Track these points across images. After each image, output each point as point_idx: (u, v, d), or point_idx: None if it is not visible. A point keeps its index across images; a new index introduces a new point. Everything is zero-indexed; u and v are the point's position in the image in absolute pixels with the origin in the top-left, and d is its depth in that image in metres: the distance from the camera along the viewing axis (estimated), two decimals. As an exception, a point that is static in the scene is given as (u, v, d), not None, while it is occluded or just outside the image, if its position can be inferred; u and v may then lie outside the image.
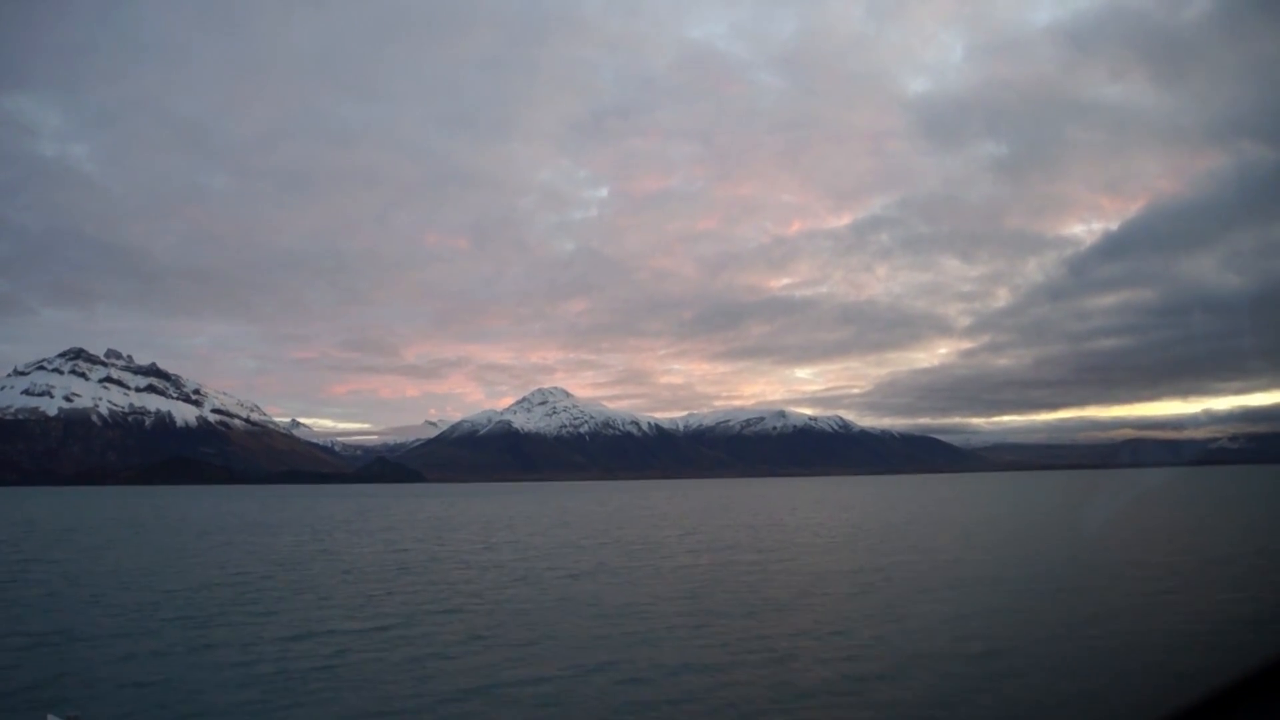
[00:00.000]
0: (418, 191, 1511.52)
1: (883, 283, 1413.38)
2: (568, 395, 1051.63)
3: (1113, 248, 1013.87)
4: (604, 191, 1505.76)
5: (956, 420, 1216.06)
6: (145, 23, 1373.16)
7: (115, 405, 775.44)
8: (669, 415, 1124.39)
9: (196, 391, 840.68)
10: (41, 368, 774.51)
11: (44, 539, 51.47)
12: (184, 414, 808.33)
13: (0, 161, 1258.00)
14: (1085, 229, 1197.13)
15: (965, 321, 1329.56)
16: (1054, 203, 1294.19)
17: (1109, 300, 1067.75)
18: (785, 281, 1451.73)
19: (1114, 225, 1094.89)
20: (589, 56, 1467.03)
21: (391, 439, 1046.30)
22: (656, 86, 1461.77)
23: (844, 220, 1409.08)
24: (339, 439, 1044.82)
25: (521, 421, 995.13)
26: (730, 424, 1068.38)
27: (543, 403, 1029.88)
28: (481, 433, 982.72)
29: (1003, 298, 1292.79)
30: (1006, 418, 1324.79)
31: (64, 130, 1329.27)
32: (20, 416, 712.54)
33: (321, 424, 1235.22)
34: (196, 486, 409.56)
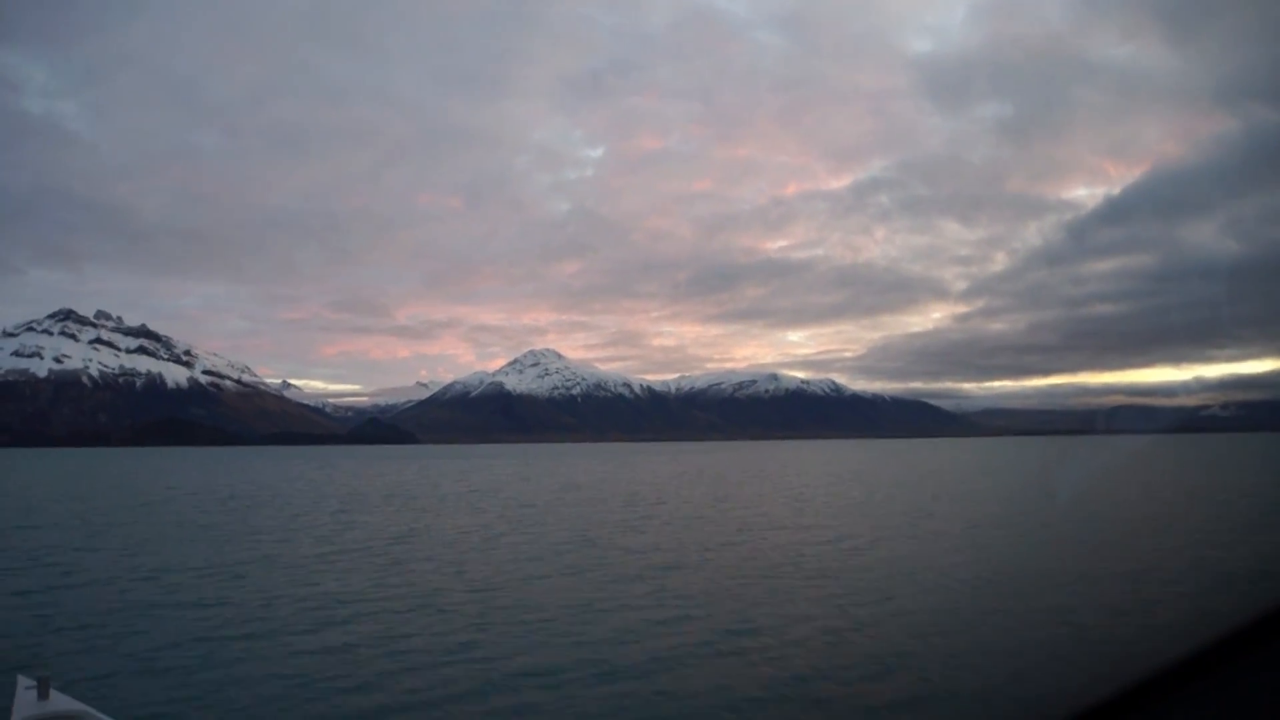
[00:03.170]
0: (411, 150, 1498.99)
1: (880, 245, 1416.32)
2: (560, 357, 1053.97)
3: (1113, 212, 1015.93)
4: (600, 151, 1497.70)
5: (948, 385, 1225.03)
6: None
7: (106, 366, 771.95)
8: (661, 378, 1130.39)
9: (187, 353, 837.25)
10: (30, 329, 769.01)
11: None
12: (175, 375, 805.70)
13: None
14: (1087, 193, 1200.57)
15: (961, 285, 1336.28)
16: (1056, 166, 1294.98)
17: (1107, 265, 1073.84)
18: (781, 243, 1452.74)
19: (1116, 190, 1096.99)
20: (587, 12, 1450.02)
21: (382, 400, 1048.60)
22: (655, 44, 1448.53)
23: (843, 182, 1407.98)
24: (330, 400, 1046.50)
25: (513, 383, 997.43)
26: (722, 387, 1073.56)
27: (534, 364, 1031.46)
28: (473, 394, 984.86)
29: (1000, 262, 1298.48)
30: (999, 383, 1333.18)
31: (50, 86, 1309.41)
32: (10, 378, 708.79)
33: (312, 385, 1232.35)
34: (191, 448, 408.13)
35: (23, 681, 9.39)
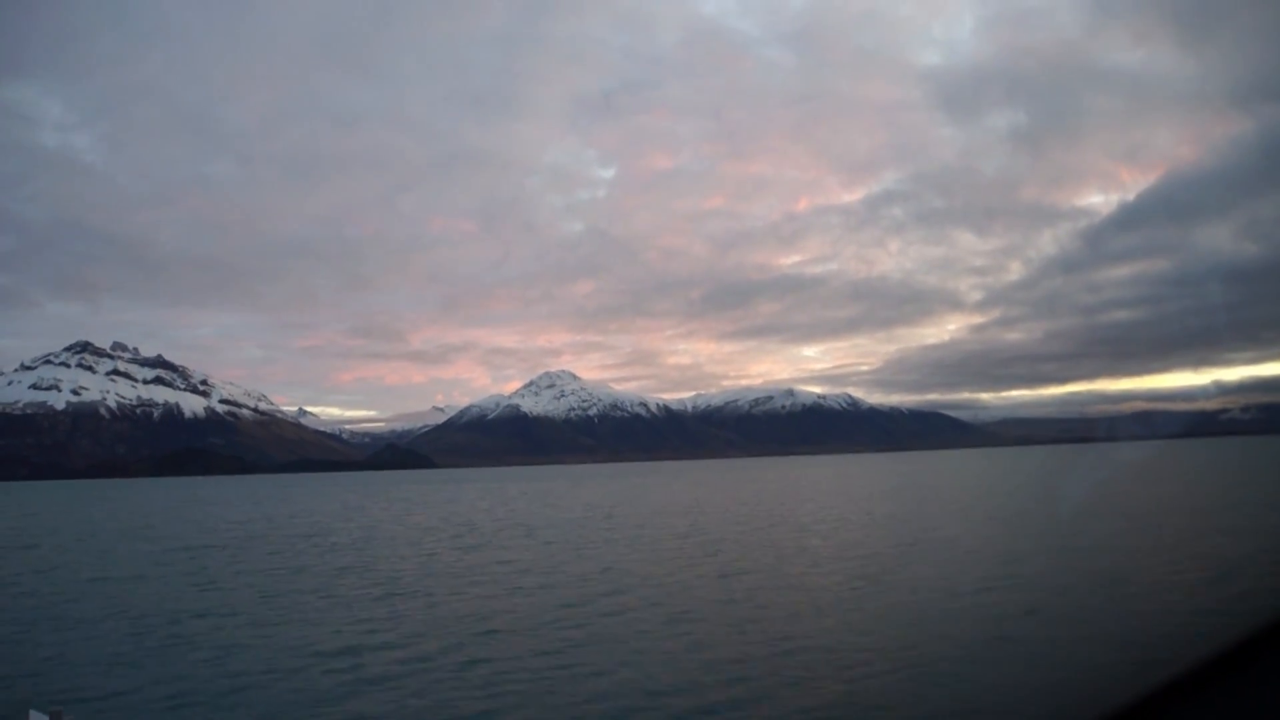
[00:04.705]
0: (424, 174, 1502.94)
1: (894, 258, 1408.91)
2: (575, 378, 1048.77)
3: (1128, 218, 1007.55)
4: (612, 171, 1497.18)
5: (965, 396, 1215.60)
6: (145, 7, 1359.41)
7: (123, 398, 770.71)
8: (677, 396, 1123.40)
9: (204, 382, 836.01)
10: (48, 361, 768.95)
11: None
12: (192, 405, 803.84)
13: (1, 153, 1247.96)
14: (1102, 199, 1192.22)
15: (976, 296, 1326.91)
16: (1071, 173, 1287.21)
17: (1123, 272, 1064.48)
18: (795, 259, 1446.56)
19: (1130, 195, 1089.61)
20: (597, 32, 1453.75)
21: (399, 425, 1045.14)
22: (665, 63, 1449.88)
23: (856, 195, 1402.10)
24: (346, 426, 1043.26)
25: (529, 405, 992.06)
26: (739, 404, 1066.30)
27: (550, 386, 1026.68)
28: (490, 417, 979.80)
29: (1015, 271, 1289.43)
30: (1016, 392, 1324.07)
31: (65, 120, 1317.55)
32: (28, 411, 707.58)
33: (328, 412, 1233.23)
34: (211, 478, 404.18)
35: (35, 716, 9.17)
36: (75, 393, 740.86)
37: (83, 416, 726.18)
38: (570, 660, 17.39)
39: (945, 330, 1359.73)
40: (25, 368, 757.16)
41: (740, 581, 27.41)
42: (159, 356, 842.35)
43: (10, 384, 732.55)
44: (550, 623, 21.51)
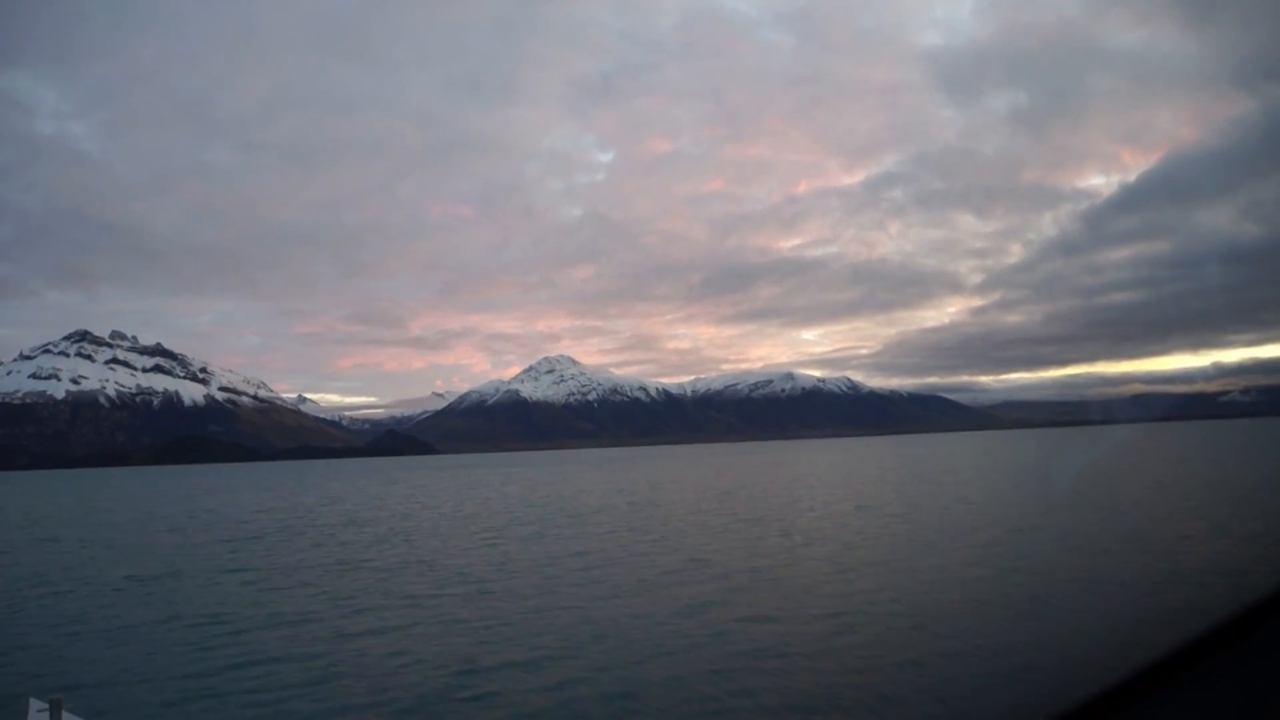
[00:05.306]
0: (422, 159, 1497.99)
1: (894, 240, 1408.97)
2: (575, 363, 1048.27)
3: (1129, 200, 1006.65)
4: (611, 155, 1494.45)
5: (965, 379, 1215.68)
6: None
7: (123, 386, 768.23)
8: (676, 380, 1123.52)
9: (203, 370, 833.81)
10: (47, 351, 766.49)
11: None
12: (191, 393, 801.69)
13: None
14: (1103, 181, 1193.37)
15: (976, 279, 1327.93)
16: (1071, 154, 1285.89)
17: (1123, 253, 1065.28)
18: (795, 242, 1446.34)
19: (1132, 177, 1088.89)
20: (596, 16, 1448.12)
21: (399, 411, 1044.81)
22: (664, 46, 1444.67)
23: (856, 178, 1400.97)
24: (346, 413, 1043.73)
25: (529, 390, 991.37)
26: (738, 387, 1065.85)
27: (550, 371, 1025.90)
28: (489, 403, 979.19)
29: (1015, 253, 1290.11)
30: (1015, 375, 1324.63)
31: (61, 108, 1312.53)
32: (28, 400, 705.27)
33: (328, 399, 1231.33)
34: (212, 465, 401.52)
35: (35, 704, 9.10)
36: (75, 382, 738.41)
37: (82, 405, 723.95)
38: (763, 684, 14.34)
39: (945, 313, 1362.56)
40: (24, 357, 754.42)
41: (868, 576, 24.40)
42: (158, 345, 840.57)
43: (10, 374, 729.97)
44: (690, 630, 18.50)
